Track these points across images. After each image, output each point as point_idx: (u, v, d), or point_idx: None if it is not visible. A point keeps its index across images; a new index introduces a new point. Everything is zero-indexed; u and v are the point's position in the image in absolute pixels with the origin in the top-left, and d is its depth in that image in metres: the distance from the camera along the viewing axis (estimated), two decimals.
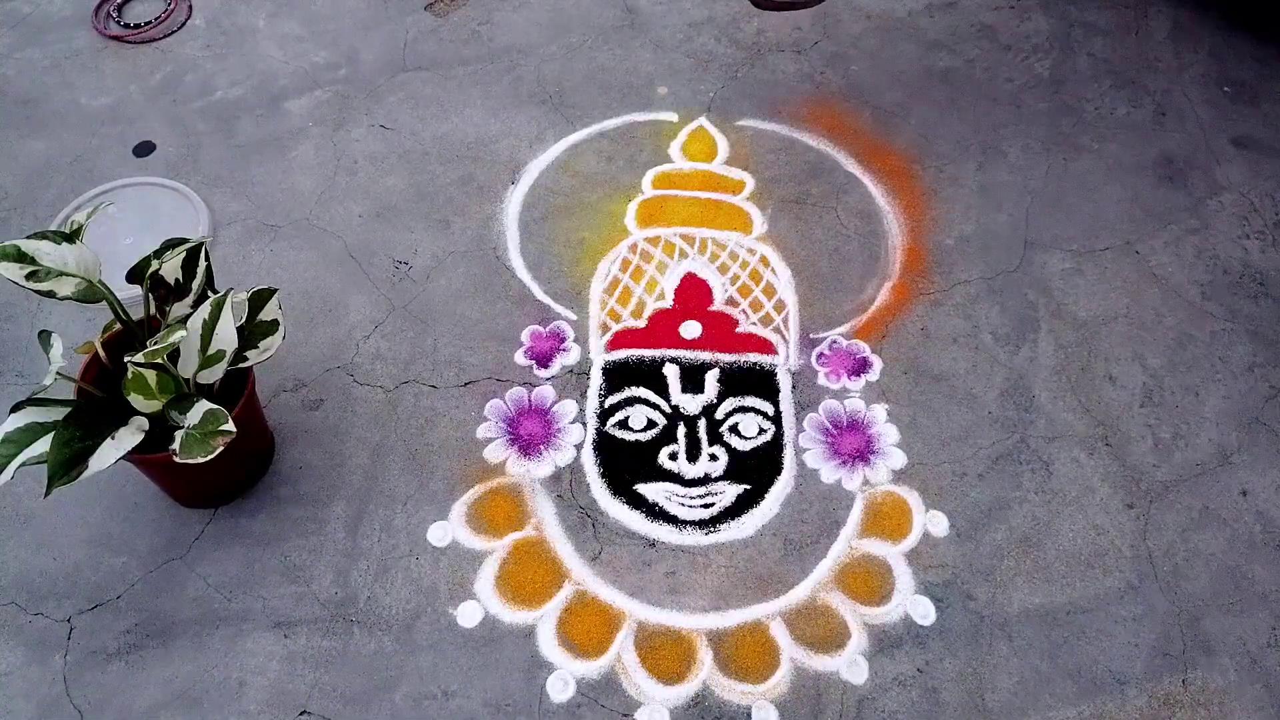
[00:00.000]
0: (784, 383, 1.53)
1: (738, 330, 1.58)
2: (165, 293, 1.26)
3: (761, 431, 1.48)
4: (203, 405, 1.17)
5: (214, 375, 1.22)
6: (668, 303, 1.62)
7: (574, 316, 1.61)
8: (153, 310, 1.26)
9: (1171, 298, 1.62)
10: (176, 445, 1.14)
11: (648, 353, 1.56)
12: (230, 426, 1.14)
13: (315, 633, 1.30)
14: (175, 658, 1.29)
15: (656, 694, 1.25)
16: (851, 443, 1.47)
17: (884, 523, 1.39)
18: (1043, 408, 1.50)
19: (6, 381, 1.55)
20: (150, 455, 1.21)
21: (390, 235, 1.72)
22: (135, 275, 1.23)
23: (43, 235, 1.17)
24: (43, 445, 1.12)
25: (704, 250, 1.69)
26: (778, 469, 1.44)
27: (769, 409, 1.50)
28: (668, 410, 1.49)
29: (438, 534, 1.39)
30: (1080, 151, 1.81)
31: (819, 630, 1.30)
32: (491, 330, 1.60)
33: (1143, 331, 1.58)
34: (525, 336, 1.59)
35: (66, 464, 1.10)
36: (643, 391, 1.52)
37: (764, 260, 1.67)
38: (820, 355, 1.56)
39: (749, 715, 1.24)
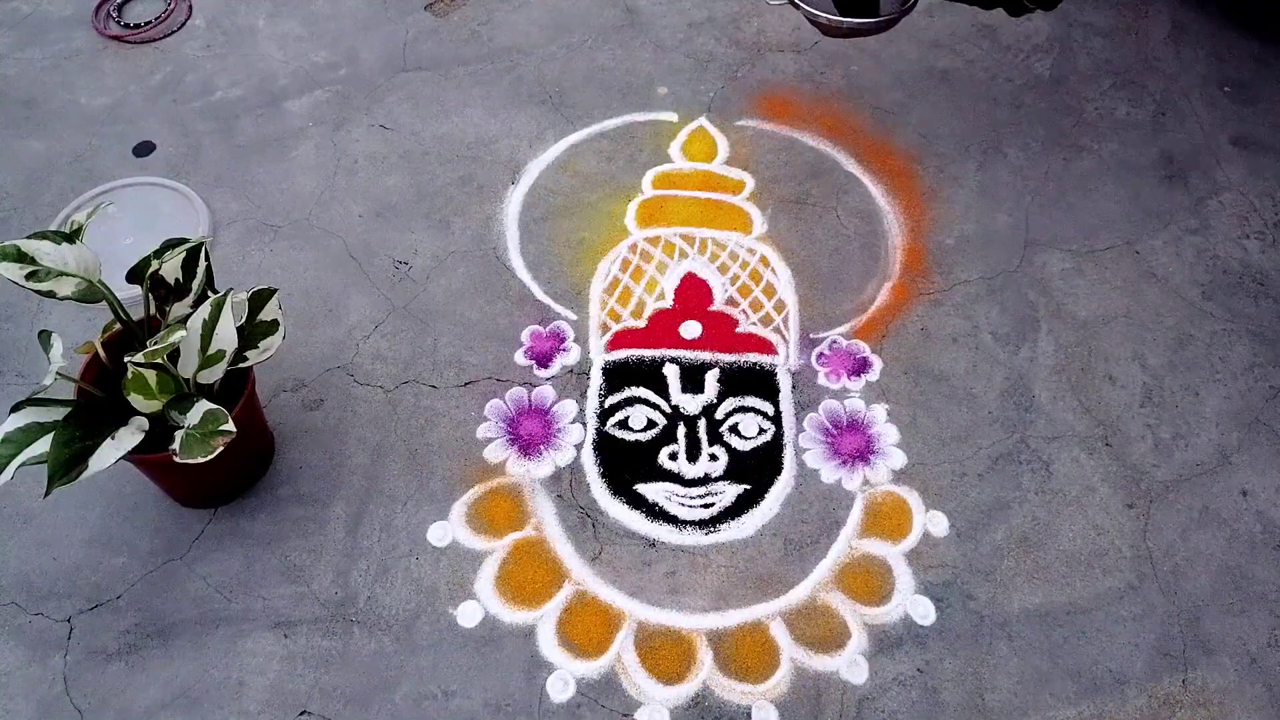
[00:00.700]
0: (784, 383, 1.53)
1: (738, 330, 1.58)
2: (165, 293, 1.26)
3: (761, 431, 1.48)
4: (203, 405, 1.17)
5: (214, 375, 1.22)
6: (668, 303, 1.62)
7: (574, 316, 1.61)
8: (153, 310, 1.26)
9: (1171, 298, 1.62)
10: (176, 445, 1.14)
11: (648, 353, 1.56)
12: (230, 426, 1.14)
13: (315, 633, 1.30)
14: (175, 658, 1.29)
15: (656, 694, 1.25)
16: (851, 443, 1.47)
17: (884, 523, 1.39)
18: (1043, 408, 1.50)
19: (6, 381, 1.55)
20: (150, 455, 1.21)
21: (390, 235, 1.72)
22: (135, 275, 1.23)
23: (43, 235, 1.17)
24: (43, 445, 1.12)
25: (704, 250, 1.69)
26: (778, 469, 1.44)
27: (769, 409, 1.50)
28: (668, 410, 1.49)
29: (438, 534, 1.39)
30: (1080, 151, 1.81)
31: (819, 630, 1.30)
32: (491, 330, 1.60)
33: (1143, 331, 1.58)
34: (525, 336, 1.59)
35: (66, 464, 1.10)
36: (643, 391, 1.52)
37: (764, 260, 1.67)
38: (820, 355, 1.56)
39: (749, 715, 1.24)
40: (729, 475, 1.43)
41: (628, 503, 1.41)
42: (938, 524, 1.39)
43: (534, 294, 1.64)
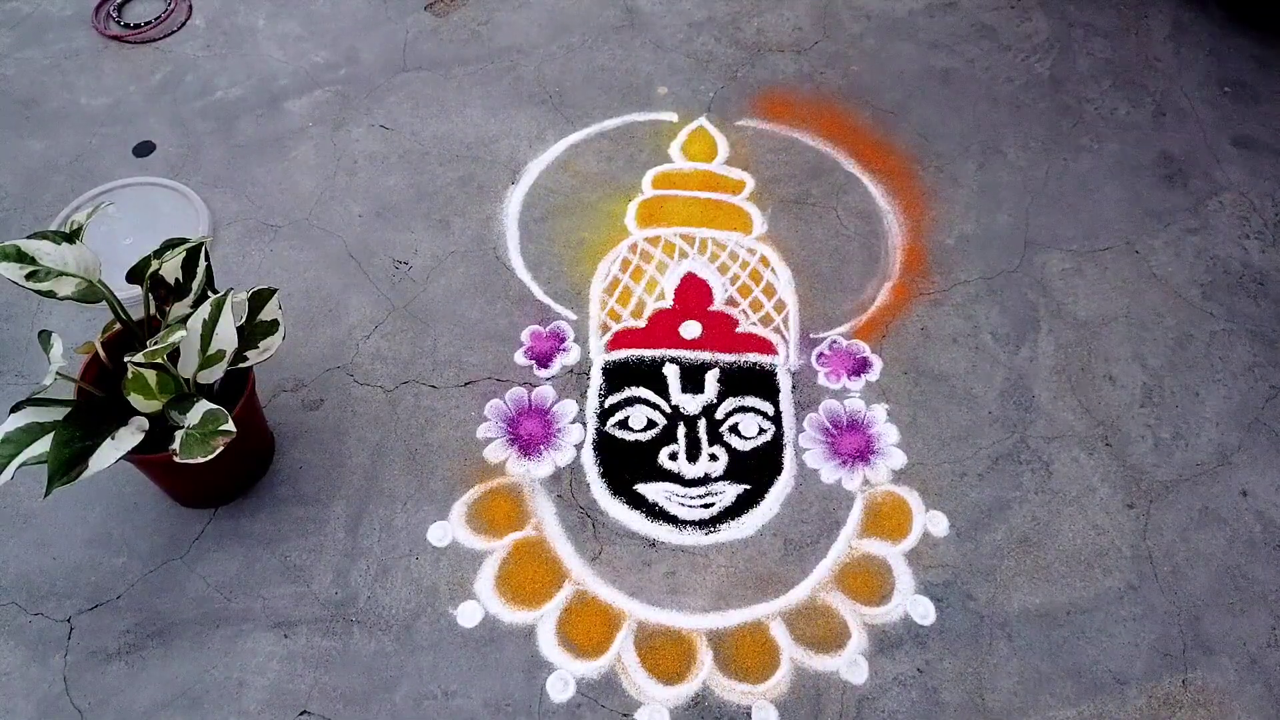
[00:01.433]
0: (784, 383, 1.53)
1: (738, 330, 1.58)
2: (165, 293, 1.26)
3: (761, 431, 1.48)
4: (203, 405, 1.17)
5: (214, 375, 1.22)
6: (668, 303, 1.62)
7: (574, 316, 1.61)
8: (153, 310, 1.26)
9: (1171, 298, 1.62)
10: (176, 445, 1.14)
11: (648, 353, 1.56)
12: (230, 426, 1.14)
13: (315, 633, 1.30)
14: (175, 658, 1.29)
15: (656, 694, 1.25)
16: (851, 443, 1.47)
17: (884, 523, 1.39)
18: (1043, 408, 1.50)
19: (6, 381, 1.55)
20: (150, 455, 1.21)
21: (390, 235, 1.72)
22: (135, 275, 1.23)
23: (43, 235, 1.17)
24: (43, 445, 1.12)
25: (704, 250, 1.68)
26: (778, 469, 1.44)
27: (769, 409, 1.50)
28: (668, 410, 1.49)
29: (438, 534, 1.39)
30: (1080, 151, 1.81)
31: (819, 630, 1.30)
32: (491, 330, 1.60)
33: (1143, 331, 1.58)
34: (525, 336, 1.59)
35: (66, 464, 1.10)
36: (643, 391, 1.52)
37: (764, 260, 1.67)
38: (820, 355, 1.56)
39: (749, 715, 1.24)
40: (729, 475, 1.43)
41: (628, 503, 1.41)
42: (938, 524, 1.39)
43: (534, 294, 1.64)
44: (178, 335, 1.13)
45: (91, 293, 1.18)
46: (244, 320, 1.29)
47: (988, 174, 1.78)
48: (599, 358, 1.56)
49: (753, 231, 1.71)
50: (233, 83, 1.97)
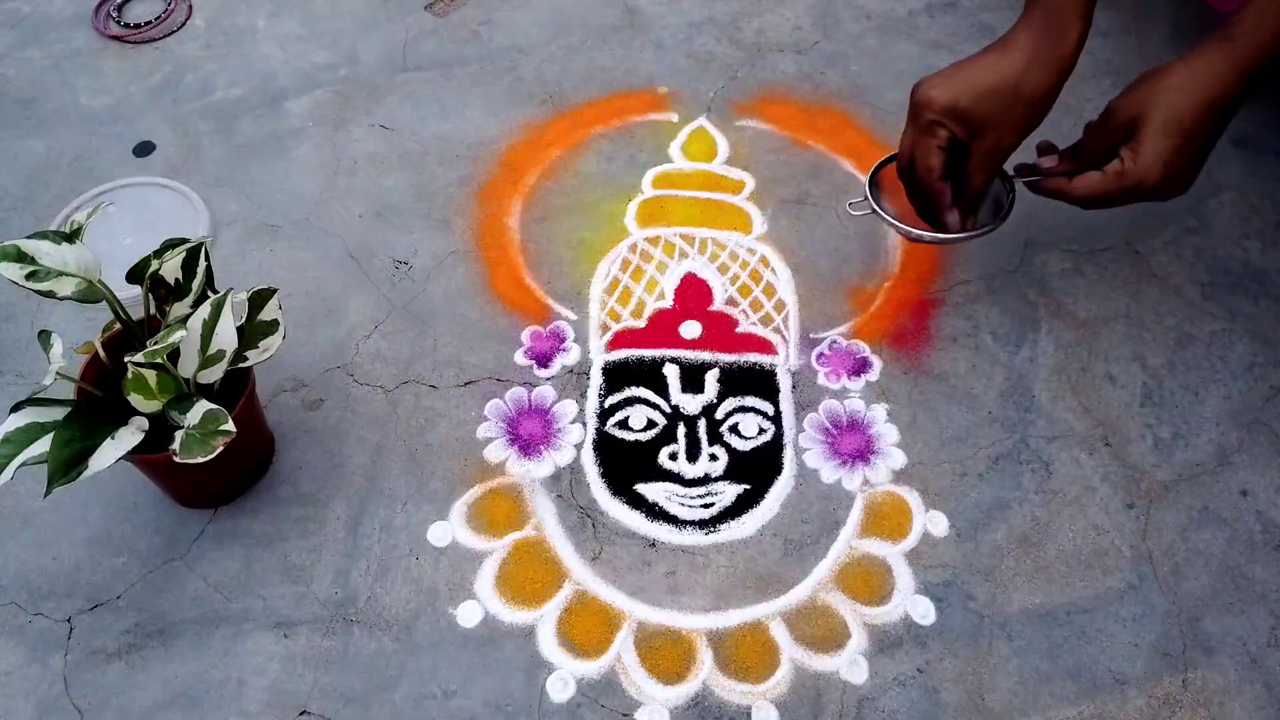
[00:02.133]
0: (784, 383, 1.53)
1: (738, 330, 1.58)
2: (165, 293, 1.26)
3: (761, 431, 1.48)
4: (203, 405, 1.17)
5: (214, 375, 1.22)
6: (668, 303, 1.62)
7: (574, 316, 1.61)
8: (153, 310, 1.26)
9: (1171, 298, 1.62)
10: (176, 445, 1.14)
11: (648, 353, 1.56)
12: (230, 426, 1.14)
13: (315, 633, 1.30)
14: (175, 658, 1.29)
15: (656, 694, 1.25)
16: (851, 443, 1.47)
17: (884, 523, 1.39)
18: (1043, 408, 1.50)
19: (6, 381, 1.55)
20: (150, 455, 1.21)
21: (390, 235, 1.72)
22: (135, 275, 1.23)
23: (43, 235, 1.17)
24: (43, 445, 1.12)
25: (704, 250, 1.69)
26: (778, 469, 1.44)
27: (769, 409, 1.50)
28: (668, 410, 1.50)
29: (438, 534, 1.39)
30: None
31: (819, 630, 1.30)
32: (491, 330, 1.60)
33: (1143, 331, 1.58)
34: (525, 336, 1.59)
35: (66, 464, 1.10)
36: (643, 391, 1.52)
37: (764, 260, 1.67)
38: (820, 355, 1.56)
39: (749, 715, 1.24)
40: (729, 475, 1.43)
41: (628, 503, 1.41)
42: (938, 524, 1.39)
43: (534, 294, 1.64)
44: (178, 335, 1.13)
45: (91, 293, 1.18)
46: (244, 320, 1.29)
47: None
48: (599, 358, 1.56)
49: (753, 231, 1.72)
50: (233, 83, 1.97)
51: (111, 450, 1.13)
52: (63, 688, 1.27)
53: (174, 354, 1.20)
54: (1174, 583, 1.34)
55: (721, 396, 1.51)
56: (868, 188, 1.48)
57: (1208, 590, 1.33)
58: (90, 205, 1.43)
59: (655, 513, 1.41)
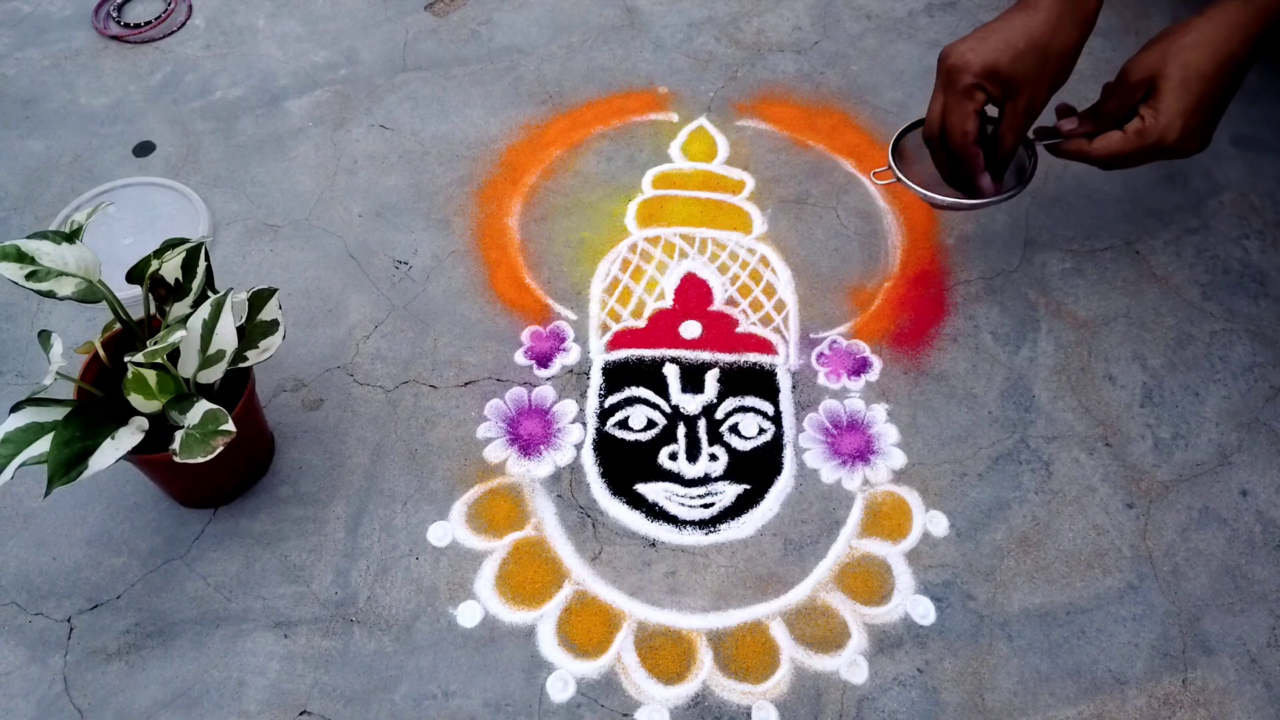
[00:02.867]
0: (784, 383, 1.53)
1: (738, 330, 1.58)
2: (165, 293, 1.26)
3: (761, 431, 1.48)
4: (203, 405, 1.17)
5: (214, 375, 1.22)
6: (668, 303, 1.62)
7: (574, 316, 1.61)
8: (153, 310, 1.26)
9: (1171, 297, 1.62)
10: (176, 445, 1.14)
11: (648, 353, 1.56)
12: (230, 426, 1.14)
13: (315, 633, 1.30)
14: (175, 658, 1.29)
15: (656, 694, 1.25)
16: (851, 443, 1.47)
17: (884, 523, 1.39)
18: (1043, 408, 1.50)
19: (6, 381, 1.55)
20: (150, 455, 1.21)
21: (390, 235, 1.72)
22: (135, 275, 1.23)
23: (43, 235, 1.17)
24: (43, 445, 1.12)
25: (704, 250, 1.69)
26: (778, 469, 1.44)
27: (769, 409, 1.50)
28: (668, 410, 1.50)
29: (438, 534, 1.39)
30: None
31: (819, 630, 1.30)
32: (491, 330, 1.60)
33: (1143, 331, 1.58)
34: (525, 336, 1.59)
35: (66, 464, 1.10)
36: (643, 391, 1.52)
37: (764, 260, 1.67)
38: (820, 355, 1.56)
39: (749, 715, 1.24)
40: (729, 475, 1.43)
41: (628, 503, 1.41)
42: (938, 524, 1.39)
43: (534, 294, 1.64)
44: (178, 335, 1.13)
45: (91, 293, 1.18)
46: (244, 320, 1.29)
47: None
48: (599, 358, 1.56)
49: (753, 231, 1.72)
50: (233, 83, 1.97)
51: (111, 450, 1.13)
52: (63, 688, 1.27)
53: (174, 354, 1.20)
54: (1174, 583, 1.34)
55: (721, 396, 1.51)
56: (891, 156, 1.48)
57: (1208, 590, 1.33)
58: (90, 205, 1.43)
59: (655, 513, 1.41)
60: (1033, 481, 1.43)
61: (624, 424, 1.49)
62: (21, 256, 1.13)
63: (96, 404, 1.20)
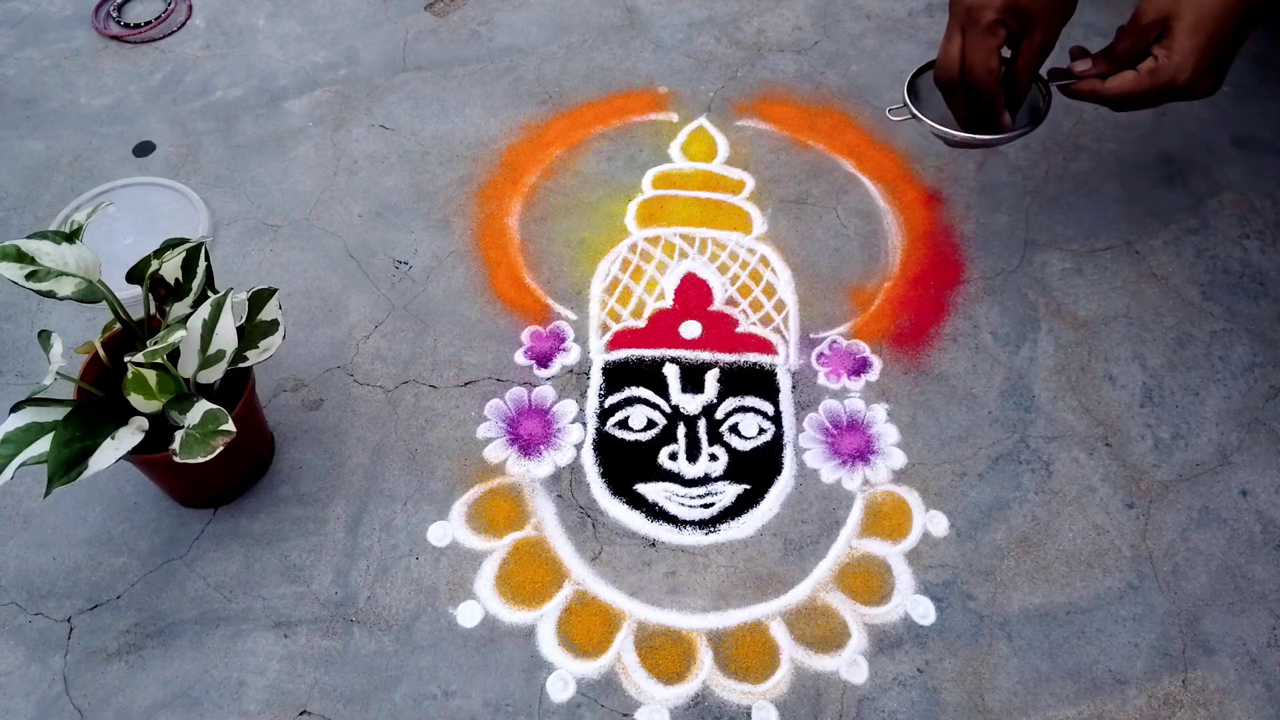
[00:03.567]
0: (784, 383, 1.53)
1: (738, 330, 1.58)
2: (165, 293, 1.26)
3: (761, 431, 1.48)
4: (203, 405, 1.17)
5: (214, 375, 1.22)
6: (668, 303, 1.62)
7: (574, 316, 1.61)
8: (153, 310, 1.26)
9: (1171, 297, 1.62)
10: (176, 445, 1.14)
11: (648, 353, 1.56)
12: (230, 426, 1.14)
13: (315, 633, 1.30)
14: (175, 658, 1.29)
15: (656, 694, 1.25)
16: (851, 443, 1.47)
17: (884, 523, 1.39)
18: (1043, 408, 1.50)
19: (6, 381, 1.55)
20: (150, 455, 1.21)
21: (390, 235, 1.72)
22: (135, 275, 1.23)
23: (43, 235, 1.17)
24: (43, 445, 1.12)
25: (704, 250, 1.69)
26: (778, 469, 1.44)
27: (769, 409, 1.50)
28: (668, 410, 1.50)
29: (438, 534, 1.39)
30: (1080, 151, 1.81)
31: (819, 630, 1.30)
32: (491, 330, 1.60)
33: (1143, 331, 1.58)
34: (525, 336, 1.59)
35: (66, 464, 1.10)
36: (643, 391, 1.52)
37: (764, 260, 1.67)
38: (820, 355, 1.56)
39: (749, 715, 1.24)
40: (729, 475, 1.43)
41: (628, 503, 1.41)
42: (938, 524, 1.39)
43: (534, 294, 1.64)
44: (178, 335, 1.13)
45: (91, 293, 1.18)
46: (244, 320, 1.29)
47: (987, 174, 1.78)
48: (599, 358, 1.56)
49: (753, 231, 1.72)
50: (233, 83, 1.97)
51: (111, 450, 1.13)
52: (63, 688, 1.27)
53: (174, 354, 1.20)
54: (1174, 583, 1.34)
55: (721, 396, 1.51)
56: (905, 94, 1.48)
57: (1208, 590, 1.33)
58: (90, 205, 1.43)
59: (655, 513, 1.41)
60: (1033, 481, 1.43)
61: (624, 424, 1.49)
62: (21, 256, 1.13)
63: (96, 404, 1.20)
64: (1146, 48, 1.31)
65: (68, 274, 1.16)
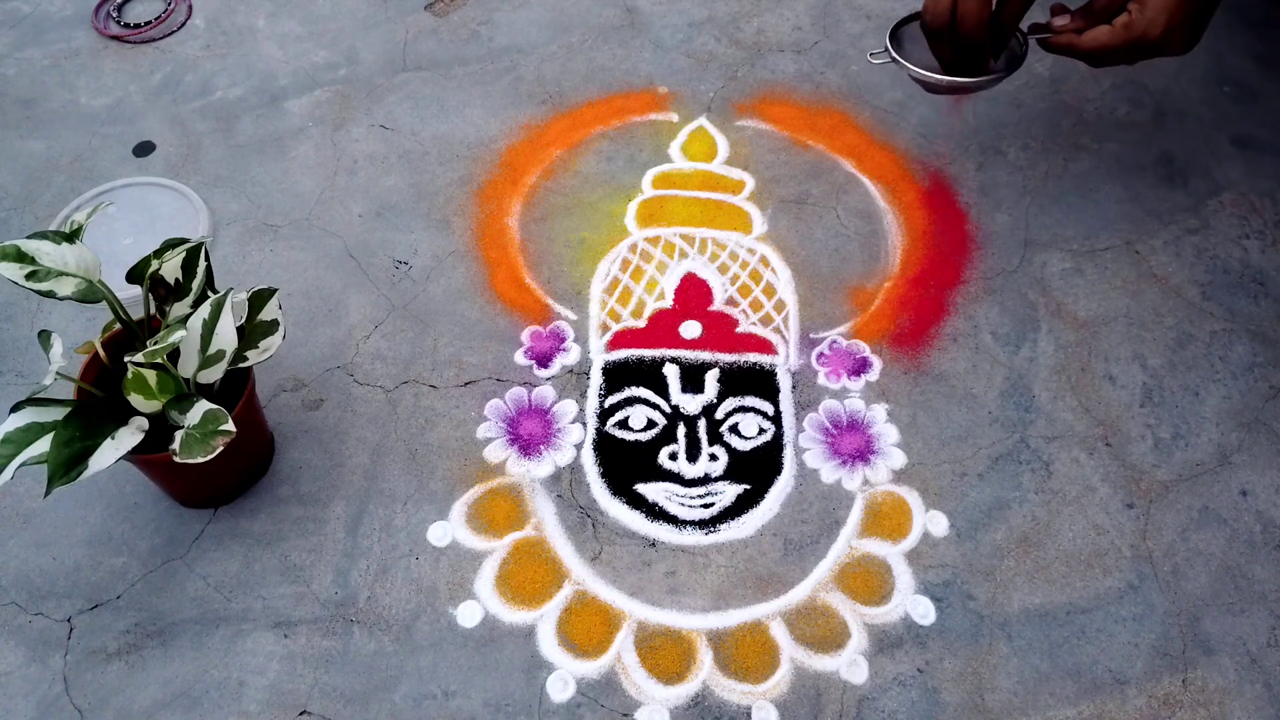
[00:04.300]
0: (784, 383, 1.53)
1: (738, 330, 1.58)
2: (165, 293, 1.26)
3: (761, 431, 1.48)
4: (203, 405, 1.17)
5: (214, 375, 1.22)
6: (668, 303, 1.62)
7: (574, 316, 1.61)
8: (153, 310, 1.26)
9: (1171, 297, 1.62)
10: (176, 445, 1.14)
11: (648, 353, 1.56)
12: (230, 426, 1.14)
13: (315, 633, 1.30)
14: (175, 658, 1.29)
15: (656, 694, 1.25)
16: (851, 443, 1.47)
17: (884, 523, 1.39)
18: (1043, 408, 1.50)
19: (6, 381, 1.55)
20: (150, 455, 1.21)
21: (390, 235, 1.72)
22: (135, 275, 1.23)
23: (43, 235, 1.17)
24: (43, 445, 1.12)
25: (704, 250, 1.69)
26: (778, 469, 1.44)
27: (769, 409, 1.50)
28: (668, 410, 1.50)
29: (438, 534, 1.39)
30: (1080, 151, 1.81)
31: (819, 630, 1.30)
32: (491, 330, 1.60)
33: (1143, 331, 1.58)
34: (525, 336, 1.59)
35: (66, 464, 1.10)
36: (643, 391, 1.52)
37: (764, 260, 1.67)
38: (820, 355, 1.56)
39: (749, 715, 1.24)
40: (729, 475, 1.43)
41: (628, 503, 1.41)
42: (938, 524, 1.39)
43: (534, 294, 1.64)
44: (178, 335, 1.13)
45: (91, 293, 1.18)
46: (244, 320, 1.29)
47: (987, 174, 1.78)
48: (599, 358, 1.56)
49: (753, 231, 1.72)
50: (233, 83, 1.97)
51: (111, 450, 1.13)
52: (63, 688, 1.27)
53: (174, 354, 1.20)
54: (1174, 583, 1.34)
55: (721, 396, 1.51)
56: (889, 40, 1.52)
57: (1208, 590, 1.33)
58: (90, 205, 1.43)
59: (655, 513, 1.41)
60: (1033, 481, 1.43)
61: (624, 424, 1.49)
62: (21, 256, 1.13)
63: (96, 404, 1.20)
64: (1123, 4, 1.33)
65: (68, 274, 1.16)
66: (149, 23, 2.08)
